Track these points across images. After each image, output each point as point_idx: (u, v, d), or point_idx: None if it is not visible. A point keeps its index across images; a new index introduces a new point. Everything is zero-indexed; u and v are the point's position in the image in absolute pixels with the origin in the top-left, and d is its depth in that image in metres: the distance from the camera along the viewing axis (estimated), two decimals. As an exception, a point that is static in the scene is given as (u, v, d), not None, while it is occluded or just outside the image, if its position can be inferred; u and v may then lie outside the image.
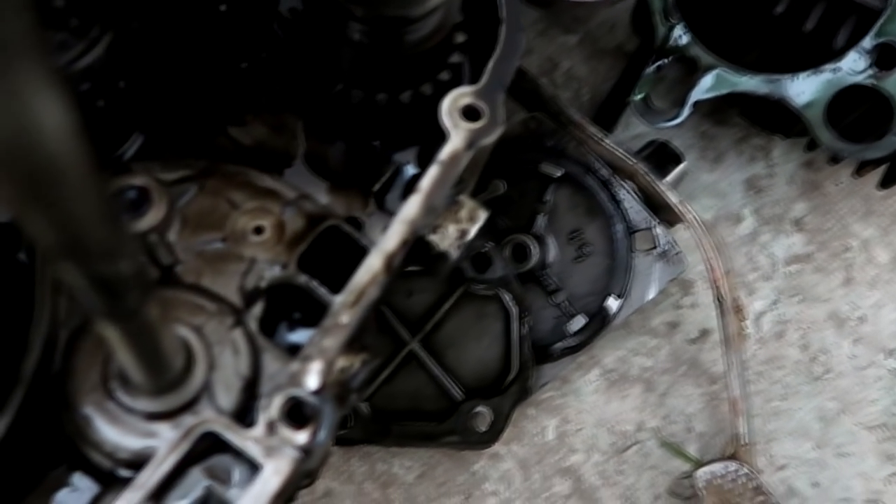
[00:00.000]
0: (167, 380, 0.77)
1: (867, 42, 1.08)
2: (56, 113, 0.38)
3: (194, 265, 0.87)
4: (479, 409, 1.32)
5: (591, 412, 1.42)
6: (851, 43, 1.09)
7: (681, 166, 1.39)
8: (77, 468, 0.81)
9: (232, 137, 1.01)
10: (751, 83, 1.13)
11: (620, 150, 1.34)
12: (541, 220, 1.37)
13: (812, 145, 1.33)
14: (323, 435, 0.77)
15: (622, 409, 1.42)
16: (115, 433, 0.78)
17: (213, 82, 0.97)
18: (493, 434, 1.32)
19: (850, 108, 1.13)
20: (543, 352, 1.36)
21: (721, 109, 1.50)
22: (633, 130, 1.49)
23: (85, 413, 0.78)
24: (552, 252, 1.38)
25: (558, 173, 1.37)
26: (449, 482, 1.38)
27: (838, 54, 1.10)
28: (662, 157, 1.39)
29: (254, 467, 0.76)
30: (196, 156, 0.94)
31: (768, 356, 1.44)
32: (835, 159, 1.35)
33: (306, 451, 0.76)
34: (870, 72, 1.09)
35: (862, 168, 1.36)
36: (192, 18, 0.94)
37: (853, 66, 1.10)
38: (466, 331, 1.34)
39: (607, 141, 1.34)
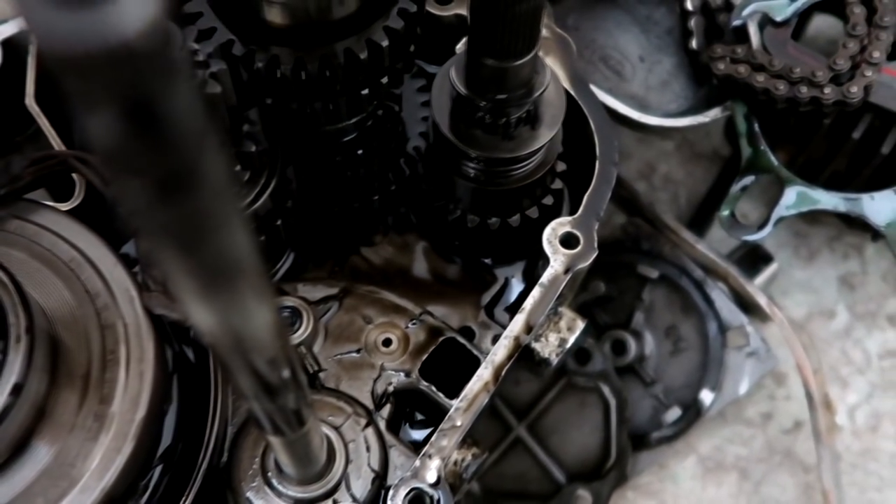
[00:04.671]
0: (314, 472, 0.93)
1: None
2: (265, 310, 0.54)
3: (334, 372, 1.04)
4: (581, 492, 1.43)
5: (687, 498, 1.51)
6: (927, 165, 1.18)
7: (771, 267, 1.49)
8: (239, 542, 0.98)
9: (365, 257, 1.19)
10: (831, 201, 1.23)
11: (712, 254, 1.45)
12: (638, 317, 1.49)
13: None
14: (439, 522, 0.92)
15: (718, 495, 1.51)
16: (271, 515, 0.95)
17: (350, 212, 1.16)
18: (593, 517, 1.42)
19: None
20: (641, 440, 1.46)
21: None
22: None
23: (247, 497, 0.96)
24: (649, 346, 1.49)
25: (655, 274, 1.49)
26: (553, 559, 1.49)
27: (914, 175, 1.19)
28: (753, 258, 1.49)
29: (384, 549, 0.91)
30: (336, 277, 1.12)
31: (863, 448, 1.50)
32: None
33: (426, 536, 0.91)
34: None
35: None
36: (335, 161, 1.13)
37: (929, 186, 1.18)
38: (569, 418, 1.46)
39: (700, 245, 1.46)
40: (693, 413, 1.44)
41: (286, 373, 0.61)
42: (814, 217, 1.61)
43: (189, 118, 0.35)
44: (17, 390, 0.80)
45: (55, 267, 0.91)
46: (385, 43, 0.92)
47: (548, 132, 1.04)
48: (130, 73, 0.31)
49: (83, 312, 0.89)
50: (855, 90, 1.17)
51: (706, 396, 1.44)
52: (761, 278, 1.47)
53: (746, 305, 1.45)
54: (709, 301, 1.46)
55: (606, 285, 1.50)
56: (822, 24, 1.40)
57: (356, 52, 0.91)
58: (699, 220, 1.58)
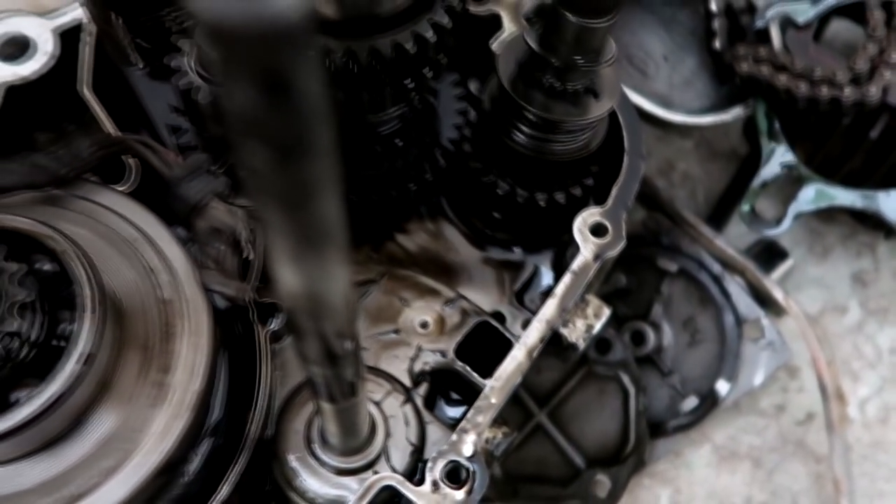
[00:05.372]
0: (357, 444, 0.98)
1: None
2: (343, 278, 0.59)
3: (373, 351, 1.09)
4: (599, 476, 1.48)
5: (702, 485, 1.56)
6: (941, 164, 1.23)
7: (787, 263, 1.54)
8: (283, 509, 1.03)
9: (400, 244, 1.24)
10: (848, 197, 1.28)
11: (730, 249, 1.50)
12: (657, 309, 1.54)
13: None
14: (477, 493, 0.96)
15: (732, 483, 1.55)
16: (315, 483, 1.00)
17: (387, 200, 1.21)
18: (611, 500, 1.47)
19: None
20: (658, 428, 1.51)
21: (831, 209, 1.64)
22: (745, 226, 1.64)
23: (292, 466, 1.01)
24: (667, 338, 1.54)
25: (674, 268, 1.54)
26: (571, 542, 1.54)
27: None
28: (770, 254, 1.54)
29: (421, 515, 0.96)
30: (373, 261, 1.17)
31: (873, 440, 1.55)
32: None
33: (463, 505, 0.95)
34: (959, 190, 1.23)
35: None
36: (376, 150, 1.18)
37: (943, 184, 1.23)
38: (588, 406, 1.51)
39: (718, 240, 1.50)
40: (709, 403, 1.49)
41: (349, 344, 0.66)
42: (828, 215, 1.66)
43: (316, 94, 0.40)
44: (88, 360, 0.85)
45: (118, 245, 0.96)
46: (431, 36, 0.97)
47: (608, 102, 1.09)
48: (278, 50, 0.36)
49: (144, 288, 0.94)
50: (874, 91, 1.22)
51: (722, 387, 1.49)
52: (777, 273, 1.52)
53: (763, 299, 1.49)
54: (726, 294, 1.51)
55: (627, 278, 1.54)
56: (840, 27, 1.45)
57: (403, 45, 0.96)
58: (717, 217, 1.62)
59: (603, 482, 1.48)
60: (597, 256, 1.10)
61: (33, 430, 0.82)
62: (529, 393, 1.52)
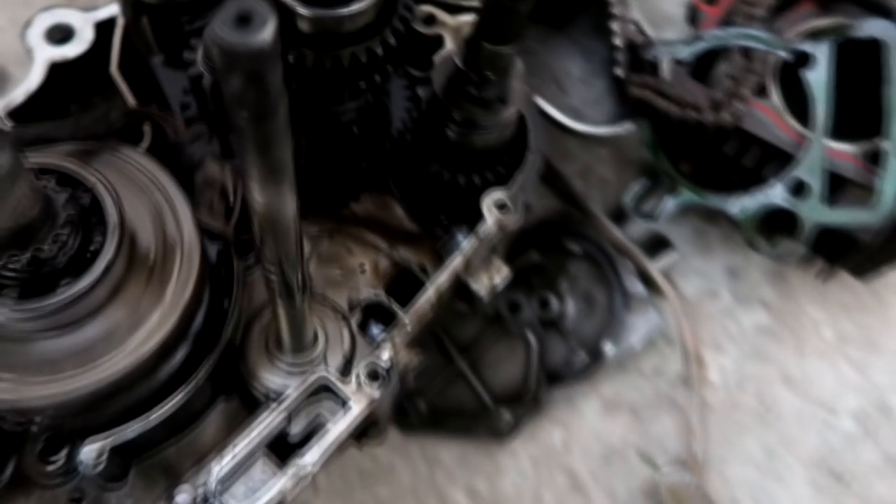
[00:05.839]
0: (303, 346, 1.32)
1: (784, 176, 1.57)
2: (292, 201, 0.93)
3: (323, 284, 1.44)
4: (504, 412, 1.82)
5: (589, 429, 1.90)
6: (775, 176, 1.59)
7: (670, 253, 1.90)
8: (244, 397, 1.37)
9: (352, 210, 1.58)
10: (708, 200, 1.64)
11: (624, 238, 1.85)
12: (563, 283, 1.89)
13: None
14: (387, 389, 1.31)
15: (614, 428, 1.90)
16: (269, 376, 1.34)
17: (345, 174, 1.55)
18: (511, 431, 1.82)
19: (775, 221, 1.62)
20: (555, 377, 1.86)
21: (714, 212, 1.99)
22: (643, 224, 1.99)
23: (254, 362, 1.35)
24: (569, 306, 1.89)
25: (579, 251, 1.89)
26: (478, 467, 1.88)
27: (766, 183, 1.60)
28: (657, 245, 1.90)
29: (345, 404, 1.30)
30: (330, 219, 1.52)
31: (731, 402, 1.90)
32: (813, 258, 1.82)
33: (377, 398, 1.30)
34: (789, 198, 1.58)
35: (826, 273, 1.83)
36: (338, 137, 1.52)
37: (777, 192, 1.59)
38: (500, 355, 1.85)
39: (615, 230, 1.86)
40: (595, 359, 1.84)
41: (294, 251, 1.00)
42: (712, 217, 2.01)
43: (278, 83, 0.74)
44: (110, 266, 1.19)
45: (135, 187, 1.30)
46: (380, 51, 1.32)
47: (514, 108, 1.44)
48: (257, 61, 0.70)
49: (154, 220, 1.28)
50: (727, 117, 1.57)
51: (609, 348, 1.84)
52: (661, 261, 1.87)
53: (647, 280, 1.85)
54: (618, 274, 1.86)
55: (540, 256, 1.89)
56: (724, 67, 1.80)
57: (359, 56, 1.30)
58: (620, 213, 1.97)
59: (506, 417, 1.82)
60: (497, 226, 1.45)
61: (71, 308, 1.16)
62: (454, 343, 1.86)
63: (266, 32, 0.68)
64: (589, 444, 1.90)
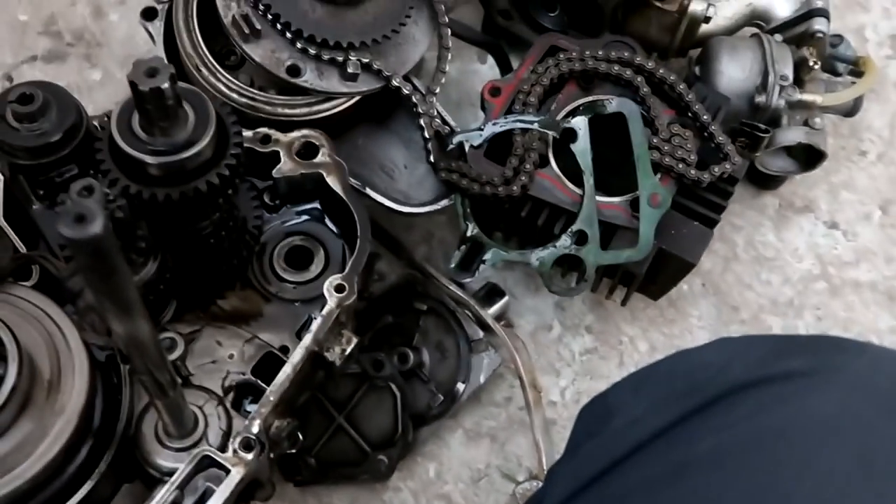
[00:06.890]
0: (186, 430, 1.61)
1: (569, 230, 1.96)
2: (146, 324, 1.23)
3: (199, 375, 1.73)
4: (381, 456, 2.13)
5: (457, 458, 2.23)
6: (563, 230, 1.97)
7: (504, 300, 2.26)
8: (144, 479, 1.65)
9: (219, 305, 1.88)
10: (513, 256, 2.00)
11: (461, 292, 2.20)
12: (417, 337, 2.22)
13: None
14: (260, 455, 1.60)
15: (478, 454, 2.23)
16: (161, 460, 1.62)
17: (209, 279, 1.85)
18: (389, 472, 2.13)
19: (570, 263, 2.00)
20: (421, 419, 2.18)
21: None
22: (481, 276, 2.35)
23: (148, 450, 1.62)
24: (425, 356, 2.22)
25: (425, 307, 2.23)
26: (367, 506, 2.19)
27: (557, 237, 1.98)
28: (491, 293, 2.25)
29: (227, 471, 1.59)
30: (201, 317, 1.82)
31: (569, 416, 2.26)
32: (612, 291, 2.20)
33: (252, 463, 1.59)
34: (574, 246, 1.96)
35: (624, 299, 2.21)
36: (199, 247, 1.82)
37: (564, 243, 1.96)
38: (371, 408, 2.16)
39: (453, 286, 2.21)
40: (452, 397, 2.17)
41: (159, 361, 1.30)
42: (537, 263, 2.38)
43: (113, 255, 1.05)
44: (14, 389, 1.46)
45: (29, 317, 1.57)
46: (217, 182, 1.63)
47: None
48: (94, 245, 1.01)
49: (47, 345, 1.56)
50: (515, 188, 1.94)
51: (460, 386, 2.18)
52: (495, 308, 2.23)
53: (483, 326, 2.20)
54: (459, 324, 2.20)
55: (393, 317, 2.23)
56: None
57: (200, 189, 1.62)
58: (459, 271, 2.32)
59: (383, 460, 2.13)
60: (339, 305, 1.77)
61: (-18, 430, 1.43)
62: (331, 403, 2.17)
63: (97, 226, 0.99)
64: (459, 471, 2.23)
